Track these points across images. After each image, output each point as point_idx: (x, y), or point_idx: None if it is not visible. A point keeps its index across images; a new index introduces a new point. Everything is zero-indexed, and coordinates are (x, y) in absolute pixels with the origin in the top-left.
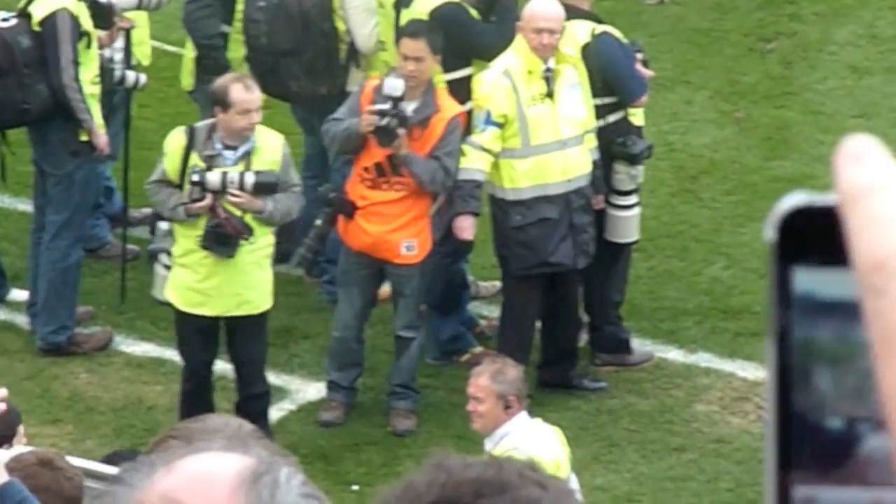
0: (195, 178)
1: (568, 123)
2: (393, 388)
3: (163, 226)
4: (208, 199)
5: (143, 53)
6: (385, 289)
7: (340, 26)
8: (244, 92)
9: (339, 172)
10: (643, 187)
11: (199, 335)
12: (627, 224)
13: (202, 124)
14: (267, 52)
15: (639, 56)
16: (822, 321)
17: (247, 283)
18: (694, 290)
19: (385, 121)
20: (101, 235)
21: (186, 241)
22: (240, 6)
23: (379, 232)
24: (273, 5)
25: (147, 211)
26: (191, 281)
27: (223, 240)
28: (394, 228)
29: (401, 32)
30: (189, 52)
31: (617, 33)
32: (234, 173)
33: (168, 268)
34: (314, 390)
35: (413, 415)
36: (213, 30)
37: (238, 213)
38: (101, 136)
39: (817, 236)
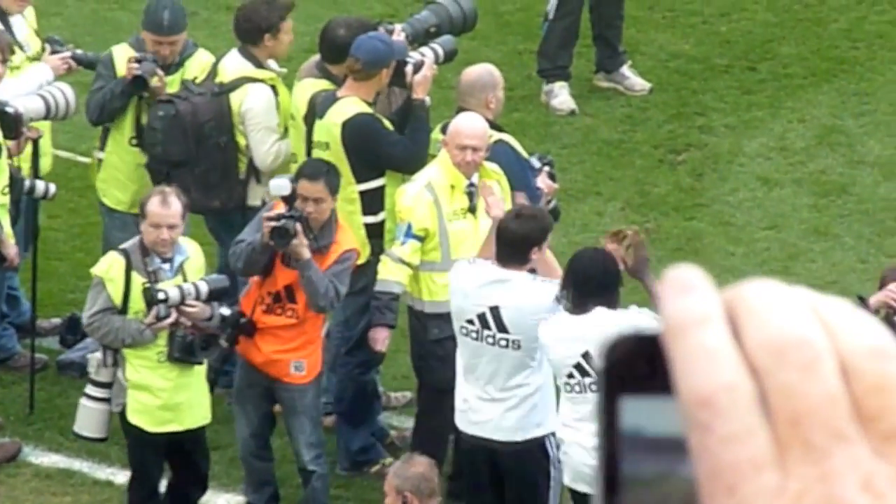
0: (160, 296)
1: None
2: None
3: (97, 355)
4: (173, 315)
5: (45, 164)
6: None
7: (241, 141)
8: (158, 205)
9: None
10: None
11: (159, 454)
12: None
13: (131, 243)
14: (161, 161)
15: (546, 169)
16: (651, 454)
17: (204, 392)
18: None
19: (282, 222)
20: (10, 346)
21: (144, 362)
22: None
23: (270, 351)
24: (170, 116)
25: (56, 321)
26: (158, 401)
27: (204, 344)
28: (285, 350)
29: (299, 173)
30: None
31: (513, 142)
32: (188, 285)
33: (94, 399)
34: (223, 502)
35: None
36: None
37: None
38: (11, 247)
39: (647, 366)
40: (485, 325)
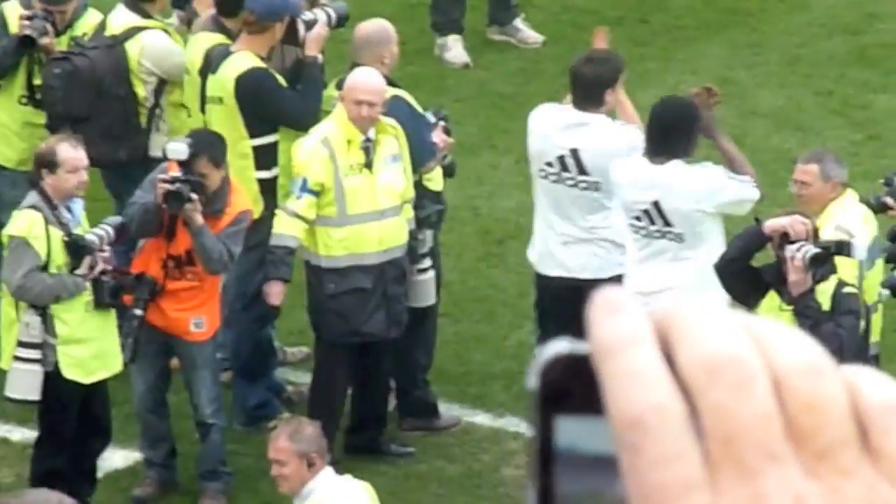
0: (89, 245)
1: (385, 194)
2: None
3: (30, 318)
4: (101, 262)
5: None
6: (175, 360)
7: (139, 91)
8: (72, 150)
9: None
10: (450, 252)
11: (74, 409)
12: (423, 287)
13: (37, 199)
14: (63, 119)
15: (441, 123)
16: (584, 473)
17: (116, 340)
18: (501, 355)
19: (176, 186)
20: None
21: (72, 315)
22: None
23: (171, 310)
24: (68, 72)
25: None
26: (89, 351)
27: (127, 285)
28: (185, 308)
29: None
30: None
31: (408, 97)
32: (99, 230)
33: (26, 360)
34: (120, 458)
35: (222, 496)
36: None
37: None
38: None
39: (581, 386)
40: (564, 167)
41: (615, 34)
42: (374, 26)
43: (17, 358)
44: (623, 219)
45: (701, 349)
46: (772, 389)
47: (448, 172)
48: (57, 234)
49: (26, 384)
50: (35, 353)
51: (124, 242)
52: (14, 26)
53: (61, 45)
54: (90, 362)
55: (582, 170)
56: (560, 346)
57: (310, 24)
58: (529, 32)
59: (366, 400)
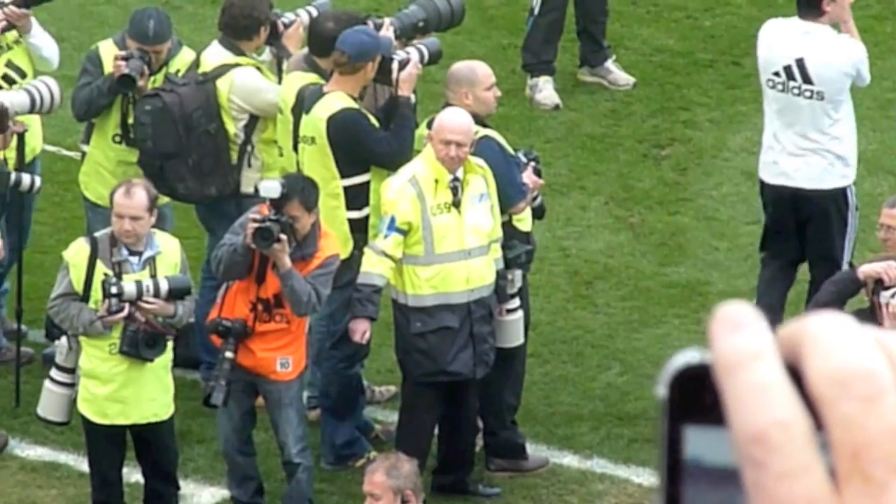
0: (113, 290)
1: (473, 233)
2: None
3: (63, 341)
4: (126, 310)
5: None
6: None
7: (230, 127)
8: (122, 196)
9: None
10: (538, 293)
11: (112, 445)
12: (512, 328)
13: (103, 233)
14: (153, 155)
15: (532, 164)
16: (712, 485)
17: (159, 388)
18: (589, 396)
19: (265, 224)
20: None
21: (96, 351)
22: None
23: (258, 350)
24: (157, 109)
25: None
26: (105, 391)
27: (150, 342)
28: (272, 349)
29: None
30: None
31: (498, 138)
32: (148, 281)
33: (58, 383)
34: (208, 495)
35: None
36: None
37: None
38: None
39: (710, 396)
40: (790, 76)
41: (707, 76)
42: (461, 66)
43: (50, 378)
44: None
45: (832, 361)
46: None
47: (538, 213)
48: (102, 270)
49: (55, 405)
50: (67, 377)
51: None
52: (109, 66)
53: (157, 83)
54: (105, 404)
55: (807, 78)
56: (691, 355)
57: (403, 64)
58: (620, 74)
59: (453, 440)
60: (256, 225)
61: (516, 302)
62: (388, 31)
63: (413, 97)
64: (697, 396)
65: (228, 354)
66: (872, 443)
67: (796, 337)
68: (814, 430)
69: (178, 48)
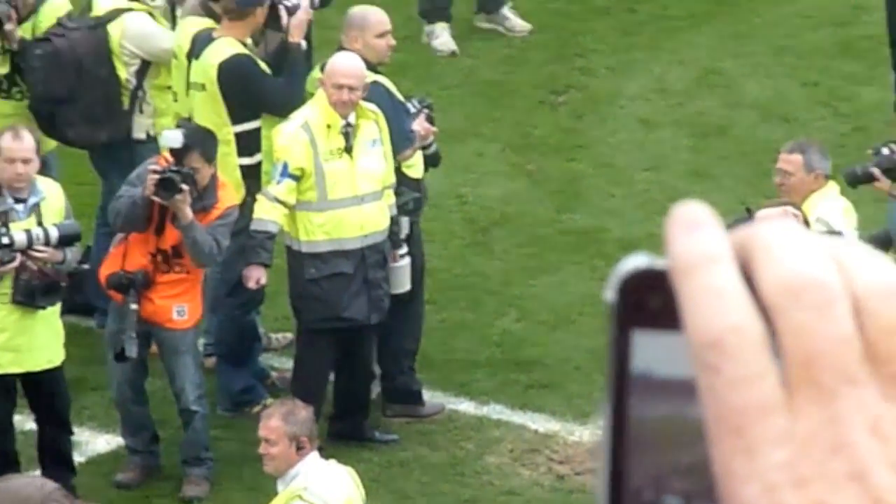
0: (4, 240)
1: (366, 179)
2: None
3: None
4: (17, 259)
5: None
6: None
7: (121, 73)
8: (11, 140)
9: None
10: (435, 239)
11: (3, 393)
12: (399, 274)
13: None
14: (44, 100)
15: (426, 111)
16: (660, 395)
17: (51, 335)
18: (486, 342)
19: (168, 174)
20: None
21: None
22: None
23: (154, 298)
24: (48, 53)
25: None
26: None
27: (46, 290)
28: (168, 296)
29: None
30: None
31: (388, 84)
32: (37, 229)
33: None
34: (103, 442)
35: (205, 481)
36: None
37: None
38: None
39: (659, 300)
40: None
41: (603, 23)
42: (354, 11)
43: None
44: None
45: (783, 270)
46: (852, 312)
47: (433, 161)
48: None
49: None
50: None
51: (72, 244)
52: None
53: (25, 33)
54: None
55: None
56: (639, 260)
57: (292, 10)
58: (517, 20)
59: (348, 386)
60: (158, 176)
61: (405, 248)
62: (304, 13)
63: (304, 43)
64: (646, 301)
65: (133, 306)
66: (823, 352)
67: (748, 242)
68: (767, 337)
69: None
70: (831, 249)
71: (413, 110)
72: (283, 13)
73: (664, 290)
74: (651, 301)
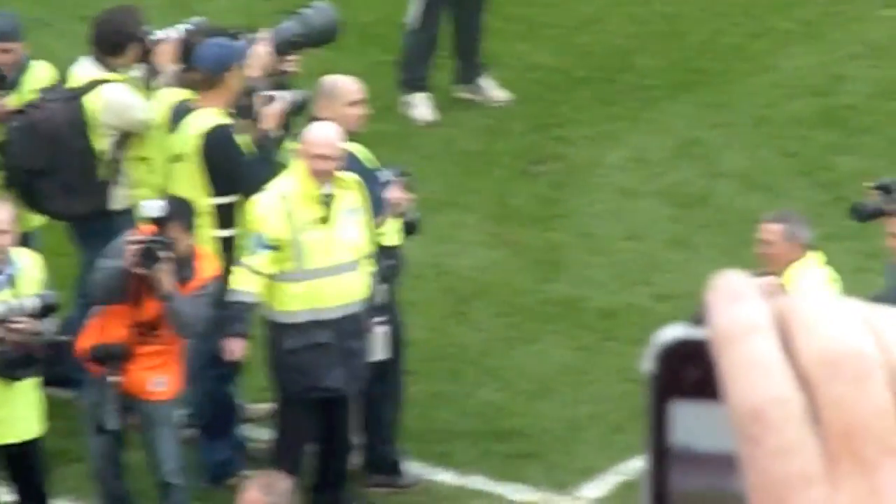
0: None
1: (344, 248)
2: None
3: None
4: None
5: None
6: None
7: (99, 144)
8: None
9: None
10: (414, 310)
11: None
12: (375, 342)
13: None
14: (21, 172)
15: (402, 179)
16: (701, 468)
17: (30, 406)
18: (465, 413)
19: (147, 244)
20: None
21: None
22: None
23: (133, 370)
24: (24, 126)
25: None
26: None
27: (25, 362)
28: (147, 368)
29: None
30: None
31: (358, 153)
32: (14, 301)
33: None
34: None
35: None
36: None
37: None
38: None
39: (698, 371)
40: None
41: (582, 93)
42: (326, 80)
43: None
44: None
45: (821, 341)
46: (890, 382)
47: (411, 229)
48: None
49: None
50: None
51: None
52: None
53: (10, 103)
54: None
55: None
56: (677, 330)
57: (269, 99)
58: (496, 90)
59: (328, 457)
60: (138, 246)
61: (381, 317)
62: (262, 46)
63: (273, 133)
64: (684, 372)
65: (112, 379)
66: (862, 424)
67: (786, 313)
68: (807, 408)
69: (27, 62)
70: (867, 318)
71: (382, 179)
72: (259, 102)
73: (703, 361)
74: (690, 372)
